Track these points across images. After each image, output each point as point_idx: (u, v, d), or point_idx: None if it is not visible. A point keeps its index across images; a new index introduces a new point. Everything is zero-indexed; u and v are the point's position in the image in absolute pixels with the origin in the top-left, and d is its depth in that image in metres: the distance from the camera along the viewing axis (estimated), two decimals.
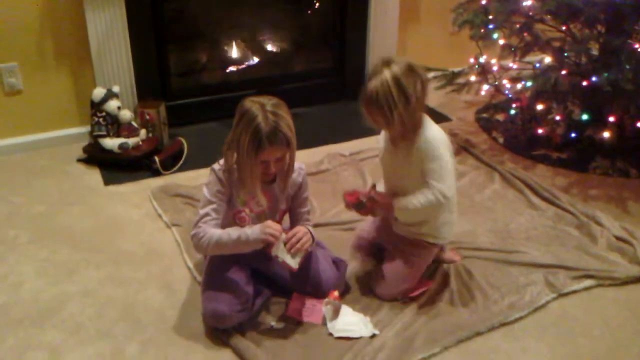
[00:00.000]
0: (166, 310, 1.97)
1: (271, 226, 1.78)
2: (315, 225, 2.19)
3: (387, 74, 1.81)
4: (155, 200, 2.56)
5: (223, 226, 1.87)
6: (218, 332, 1.85)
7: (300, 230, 1.84)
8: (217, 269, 1.92)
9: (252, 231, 1.79)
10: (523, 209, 2.54)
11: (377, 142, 2.09)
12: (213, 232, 1.81)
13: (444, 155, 1.87)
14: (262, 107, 1.75)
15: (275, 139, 1.74)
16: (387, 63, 1.83)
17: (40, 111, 2.99)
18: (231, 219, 1.91)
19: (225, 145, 1.84)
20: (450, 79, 3.29)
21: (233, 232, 1.81)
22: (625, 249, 2.25)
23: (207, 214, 1.83)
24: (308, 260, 1.95)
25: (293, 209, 2.00)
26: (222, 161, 1.87)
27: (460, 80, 3.29)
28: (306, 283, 1.96)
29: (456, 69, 3.31)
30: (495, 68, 3.18)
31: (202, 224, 1.83)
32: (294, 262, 1.81)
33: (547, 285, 2.07)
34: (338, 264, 2.03)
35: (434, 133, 1.90)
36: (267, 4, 3.42)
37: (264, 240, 1.78)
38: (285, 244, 1.80)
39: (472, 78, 3.25)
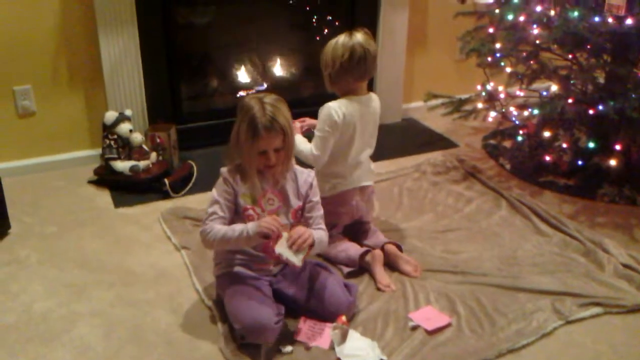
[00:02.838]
0: (174, 332, 1.98)
1: (268, 220, 1.85)
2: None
3: (336, 39, 2.23)
4: (165, 223, 2.58)
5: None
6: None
7: (301, 228, 1.90)
8: (242, 285, 1.95)
9: (252, 225, 1.86)
10: (530, 236, 2.54)
11: None
12: (219, 228, 1.89)
13: (324, 128, 2.23)
14: (259, 100, 1.86)
15: (270, 127, 1.83)
16: (350, 32, 2.23)
17: (52, 133, 3.04)
18: (243, 219, 1.94)
19: (229, 143, 1.93)
20: (457, 105, 3.33)
21: (237, 228, 1.88)
22: (632, 276, 2.25)
23: (214, 212, 1.91)
24: (322, 284, 2.00)
25: (305, 213, 2.03)
26: None
27: (468, 107, 3.33)
28: (320, 306, 1.98)
29: (463, 96, 3.35)
30: (502, 95, 3.22)
31: (209, 222, 1.91)
32: (296, 260, 1.85)
33: (554, 312, 2.07)
34: (349, 288, 2.05)
35: (332, 107, 2.23)
36: (278, 30, 3.48)
37: (260, 233, 1.83)
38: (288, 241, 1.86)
39: (479, 105, 3.29)
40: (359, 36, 2.23)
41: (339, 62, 2.21)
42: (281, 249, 1.85)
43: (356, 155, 2.33)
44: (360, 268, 2.27)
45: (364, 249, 2.29)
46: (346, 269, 2.26)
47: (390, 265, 2.29)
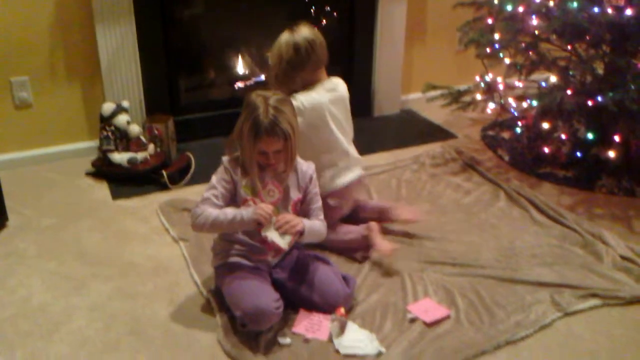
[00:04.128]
0: (173, 324, 1.98)
1: (262, 207, 1.87)
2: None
3: (279, 38, 2.29)
4: (163, 215, 2.58)
5: None
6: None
7: (290, 214, 1.94)
8: (240, 273, 1.96)
9: (246, 212, 1.88)
10: (528, 227, 2.54)
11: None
12: (211, 211, 1.90)
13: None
14: (265, 100, 1.86)
15: (272, 131, 1.84)
16: (290, 29, 2.28)
17: (50, 125, 3.03)
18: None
19: (231, 134, 1.94)
20: (456, 96, 3.32)
21: (229, 212, 1.90)
22: (631, 268, 2.25)
23: (208, 198, 1.93)
24: (320, 276, 2.01)
25: (305, 205, 2.04)
26: None
27: (466, 98, 3.32)
28: (318, 298, 1.98)
29: (462, 87, 3.34)
30: (501, 86, 3.21)
31: (201, 205, 1.92)
32: (282, 242, 1.88)
33: (553, 304, 2.07)
34: (347, 280, 2.05)
35: (297, 97, 2.25)
36: (276, 21, 3.45)
37: (255, 219, 1.85)
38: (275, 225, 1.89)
39: (478, 96, 3.28)
40: (301, 30, 2.27)
41: (285, 61, 2.26)
42: (268, 231, 1.88)
43: (340, 142, 2.35)
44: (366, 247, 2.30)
45: (362, 226, 2.32)
46: (357, 254, 2.30)
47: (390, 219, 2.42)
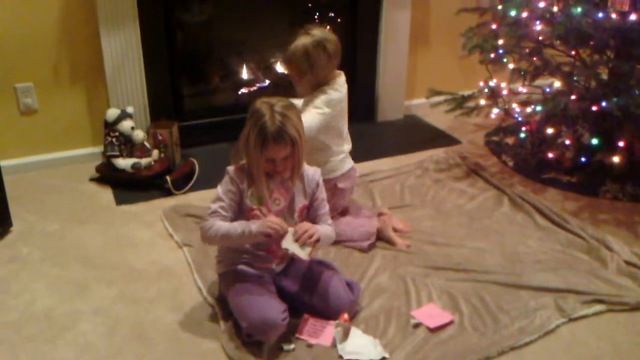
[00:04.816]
0: (176, 329, 1.98)
1: (272, 220, 1.86)
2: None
3: (300, 42, 2.28)
4: (167, 220, 2.58)
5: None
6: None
7: (306, 223, 1.93)
8: (247, 283, 1.96)
9: (255, 225, 1.87)
10: (532, 233, 2.54)
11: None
12: (220, 224, 1.89)
13: (319, 105, 2.31)
14: (270, 107, 1.85)
15: (279, 138, 1.82)
16: (306, 32, 2.30)
17: (54, 131, 3.04)
18: (247, 218, 1.94)
19: (237, 143, 1.93)
20: (460, 102, 3.32)
21: (239, 226, 1.88)
22: (635, 273, 2.24)
23: (216, 211, 1.92)
24: (325, 282, 2.00)
25: (313, 211, 2.03)
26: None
27: (470, 103, 3.32)
28: (323, 305, 1.98)
29: (466, 93, 3.34)
30: (505, 92, 3.21)
31: (210, 218, 1.91)
32: (303, 253, 1.88)
33: (557, 310, 2.06)
34: (352, 286, 2.05)
35: (331, 94, 2.33)
36: (280, 27, 3.47)
37: (265, 233, 1.85)
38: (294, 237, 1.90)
39: (482, 102, 3.28)
40: (317, 32, 2.30)
41: (317, 64, 2.29)
42: (287, 243, 1.88)
43: (346, 131, 2.48)
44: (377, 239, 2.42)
45: (372, 219, 2.45)
46: (365, 243, 2.37)
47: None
